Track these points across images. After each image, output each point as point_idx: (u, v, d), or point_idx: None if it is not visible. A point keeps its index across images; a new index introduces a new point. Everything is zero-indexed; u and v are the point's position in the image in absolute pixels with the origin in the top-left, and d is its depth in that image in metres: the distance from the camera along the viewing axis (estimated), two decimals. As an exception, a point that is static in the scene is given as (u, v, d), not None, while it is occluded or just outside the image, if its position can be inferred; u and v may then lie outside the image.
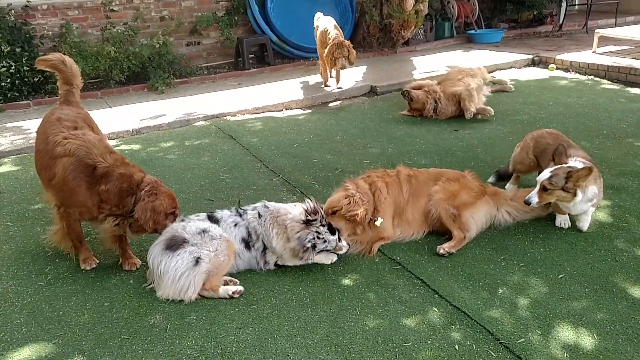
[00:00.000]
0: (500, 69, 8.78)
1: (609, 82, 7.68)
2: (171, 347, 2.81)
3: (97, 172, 3.26)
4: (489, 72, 7.81)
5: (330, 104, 7.54)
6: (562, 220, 3.82)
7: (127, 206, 3.29)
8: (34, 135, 3.93)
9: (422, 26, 10.62)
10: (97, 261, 3.63)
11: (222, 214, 3.47)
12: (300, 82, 8.42)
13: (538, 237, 3.72)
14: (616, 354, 2.63)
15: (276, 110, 7.27)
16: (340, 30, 7.69)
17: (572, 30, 11.62)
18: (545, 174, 3.55)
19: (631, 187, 4.34)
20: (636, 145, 5.23)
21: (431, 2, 10.91)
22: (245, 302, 3.16)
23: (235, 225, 3.42)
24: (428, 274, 3.35)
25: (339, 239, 3.45)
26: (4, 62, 7.59)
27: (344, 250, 3.48)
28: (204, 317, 3.03)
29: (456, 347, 2.73)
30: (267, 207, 3.49)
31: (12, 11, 7.98)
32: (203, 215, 3.46)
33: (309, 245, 3.30)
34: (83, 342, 2.87)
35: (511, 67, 8.95)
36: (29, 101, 7.83)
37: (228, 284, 3.28)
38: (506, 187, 4.35)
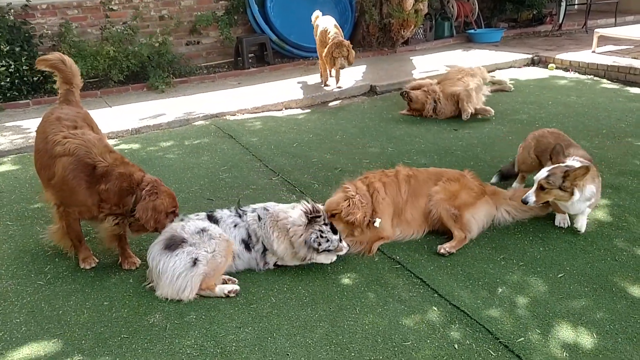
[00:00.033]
0: (499, 69, 8.78)
1: (609, 82, 7.68)
2: (171, 346, 2.81)
3: (97, 171, 3.26)
4: (489, 72, 7.80)
5: (330, 104, 7.54)
6: (562, 220, 3.83)
7: (127, 205, 3.29)
8: (34, 134, 3.93)
9: (421, 26, 10.62)
10: (97, 260, 3.63)
11: (222, 213, 3.47)
12: (300, 82, 8.42)
13: (537, 236, 3.73)
14: (615, 353, 2.63)
15: (276, 110, 7.27)
16: (340, 30, 7.69)
17: (572, 30, 11.62)
18: (543, 173, 3.56)
19: (630, 186, 4.34)
20: (635, 144, 5.24)
21: (431, 2, 10.91)
22: (245, 301, 3.16)
23: (235, 226, 3.42)
24: (427, 273, 3.35)
25: (340, 239, 3.45)
26: (4, 61, 7.59)
27: (345, 251, 3.49)
28: (203, 316, 3.03)
29: (455, 346, 2.74)
30: (267, 210, 3.48)
31: (12, 10, 7.97)
32: (203, 214, 3.46)
33: (315, 245, 3.30)
34: (82, 341, 2.87)
35: (511, 67, 8.95)
36: (28, 100, 7.82)
37: (227, 283, 3.28)
38: (513, 186, 4.35)
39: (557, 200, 3.60)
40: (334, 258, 3.48)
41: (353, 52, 7.39)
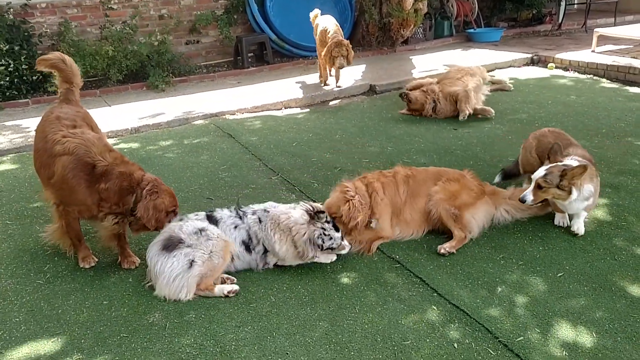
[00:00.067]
0: (499, 68, 8.78)
1: (608, 81, 7.69)
2: (170, 345, 2.81)
3: (97, 170, 3.25)
4: (488, 71, 7.81)
5: (330, 103, 7.54)
6: (561, 219, 3.83)
7: (127, 204, 3.29)
8: (33, 133, 3.93)
9: (421, 25, 10.62)
10: (96, 259, 3.63)
11: (222, 214, 3.45)
12: (300, 81, 8.42)
13: (537, 235, 3.73)
14: (615, 352, 2.63)
15: (275, 109, 7.27)
16: (340, 30, 7.68)
17: (571, 29, 11.62)
18: (540, 172, 3.56)
19: (630, 185, 4.35)
20: (635, 144, 5.24)
21: (430, 1, 10.92)
22: (244, 301, 3.16)
23: (236, 227, 3.40)
24: (427, 273, 3.35)
25: (342, 238, 3.45)
26: (3, 60, 7.57)
27: (347, 249, 3.48)
28: (203, 316, 3.03)
29: (455, 345, 2.74)
30: (267, 212, 3.46)
31: (11, 9, 7.96)
32: (202, 214, 3.45)
33: (319, 242, 3.30)
34: (82, 340, 2.87)
35: (510, 66, 8.95)
36: (27, 100, 7.81)
37: (225, 282, 3.28)
38: (523, 187, 4.33)
39: (555, 199, 3.61)
40: (334, 258, 3.49)
41: (352, 52, 7.40)
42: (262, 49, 9.81)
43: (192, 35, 9.74)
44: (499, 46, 10.28)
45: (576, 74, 8.20)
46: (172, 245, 3.16)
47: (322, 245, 3.32)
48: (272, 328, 2.92)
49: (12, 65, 7.64)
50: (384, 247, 3.68)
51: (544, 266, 3.37)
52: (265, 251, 3.41)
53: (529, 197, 3.56)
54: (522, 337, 2.75)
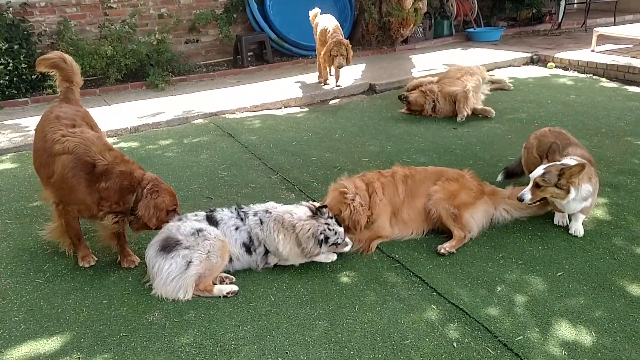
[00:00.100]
0: (499, 67, 8.78)
1: (608, 81, 7.69)
2: (170, 345, 2.81)
3: (97, 169, 3.25)
4: (488, 71, 7.81)
5: (329, 102, 7.54)
6: (561, 219, 3.83)
7: (128, 203, 3.29)
8: (32, 132, 3.93)
9: (421, 24, 10.62)
10: (96, 259, 3.63)
11: (222, 214, 3.42)
12: (299, 80, 8.41)
13: (536, 235, 3.73)
14: (614, 351, 2.64)
15: (275, 108, 7.27)
16: (341, 29, 7.68)
17: (571, 29, 11.63)
18: (539, 170, 3.57)
19: (629, 185, 4.35)
20: (635, 143, 5.24)
21: (430, 0, 10.91)
22: (244, 300, 3.16)
23: (237, 229, 3.38)
24: (426, 272, 3.35)
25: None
26: (2, 59, 7.56)
27: (349, 246, 3.48)
28: (202, 315, 3.03)
29: (454, 344, 2.74)
30: (269, 213, 3.44)
31: (11, 8, 7.96)
32: (202, 215, 3.42)
33: (322, 237, 3.29)
34: (81, 340, 2.87)
35: (510, 66, 8.95)
36: (27, 99, 7.80)
37: (224, 281, 3.28)
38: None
39: (553, 198, 3.61)
40: (334, 257, 3.49)
41: (351, 52, 7.40)
42: (262, 48, 9.81)
43: (192, 34, 9.74)
44: (499, 45, 10.28)
45: (576, 74, 8.20)
46: (169, 246, 3.16)
47: (327, 240, 3.31)
48: (271, 327, 2.92)
49: (11, 64, 7.63)
50: (383, 246, 3.68)
51: (543, 265, 3.37)
52: (266, 252, 3.40)
53: (527, 196, 3.56)
54: (521, 337, 2.75)
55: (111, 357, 2.74)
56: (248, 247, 3.38)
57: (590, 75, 8.03)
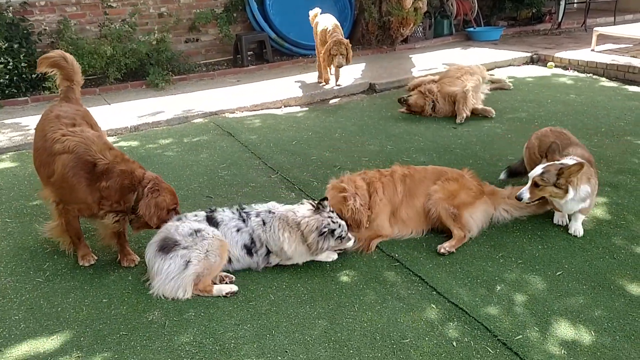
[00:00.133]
0: (499, 67, 8.78)
1: (607, 80, 7.70)
2: (169, 344, 2.81)
3: (97, 168, 3.25)
4: (488, 70, 7.81)
5: (329, 102, 7.54)
6: (560, 218, 3.83)
7: (128, 202, 3.29)
8: (32, 132, 3.93)
9: (420, 24, 10.62)
10: (96, 258, 3.63)
11: (223, 215, 3.40)
12: (299, 80, 8.41)
13: (536, 234, 3.73)
14: (614, 350, 2.64)
15: (275, 108, 7.27)
16: (341, 29, 7.68)
17: (571, 28, 11.63)
18: (538, 170, 3.57)
19: (629, 184, 4.35)
20: (634, 142, 5.24)
21: (430, 0, 10.90)
22: (244, 299, 3.16)
23: (238, 230, 3.36)
24: (426, 271, 3.35)
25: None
26: (2, 58, 7.56)
27: (352, 240, 3.47)
28: (202, 314, 3.03)
29: (454, 343, 2.74)
30: (272, 213, 3.43)
31: (10, 7, 7.96)
32: (202, 215, 3.41)
33: (327, 230, 3.28)
34: (81, 338, 2.88)
35: (510, 65, 8.95)
36: (26, 98, 7.79)
37: (223, 280, 3.28)
38: None
39: (551, 197, 3.61)
40: (335, 257, 3.49)
41: (351, 51, 7.40)
42: (262, 47, 9.81)
43: (192, 34, 9.73)
44: (499, 45, 10.28)
45: (576, 73, 8.20)
46: (167, 247, 3.16)
47: (333, 233, 3.29)
48: (271, 326, 2.92)
49: (11, 64, 7.63)
50: (383, 245, 3.68)
51: (543, 265, 3.37)
52: (268, 252, 3.40)
53: (526, 195, 3.57)
54: (521, 336, 2.76)
55: (111, 355, 2.74)
56: (249, 249, 3.37)
57: (590, 74, 8.03)
